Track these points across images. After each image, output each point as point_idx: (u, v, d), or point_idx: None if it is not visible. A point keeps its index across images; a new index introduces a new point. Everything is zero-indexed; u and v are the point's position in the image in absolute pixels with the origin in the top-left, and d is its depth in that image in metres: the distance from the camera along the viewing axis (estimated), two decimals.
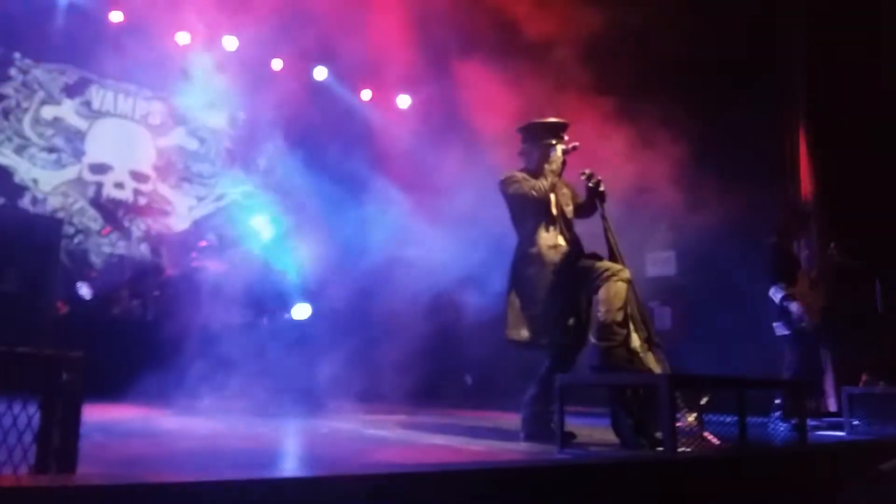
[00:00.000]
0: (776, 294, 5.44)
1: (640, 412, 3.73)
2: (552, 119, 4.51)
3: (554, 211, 4.34)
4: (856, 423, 4.94)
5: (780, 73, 7.59)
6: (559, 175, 4.37)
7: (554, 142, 4.39)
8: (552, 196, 4.36)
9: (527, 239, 4.32)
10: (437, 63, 7.62)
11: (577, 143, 4.42)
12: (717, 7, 6.96)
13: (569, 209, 4.44)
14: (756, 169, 7.18)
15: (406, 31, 7.39)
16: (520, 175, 4.37)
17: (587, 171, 4.39)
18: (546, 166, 4.33)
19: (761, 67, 7.53)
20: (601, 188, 4.35)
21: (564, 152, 4.37)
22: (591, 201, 4.40)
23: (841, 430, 5.06)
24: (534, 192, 4.28)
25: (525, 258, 4.28)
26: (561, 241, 4.28)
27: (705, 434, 3.80)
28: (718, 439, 3.75)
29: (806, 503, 3.00)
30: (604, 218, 4.31)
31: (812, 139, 7.40)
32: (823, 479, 3.27)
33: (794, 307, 5.35)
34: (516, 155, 4.58)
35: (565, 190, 4.49)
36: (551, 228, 4.30)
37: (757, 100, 7.40)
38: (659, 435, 3.57)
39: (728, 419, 3.73)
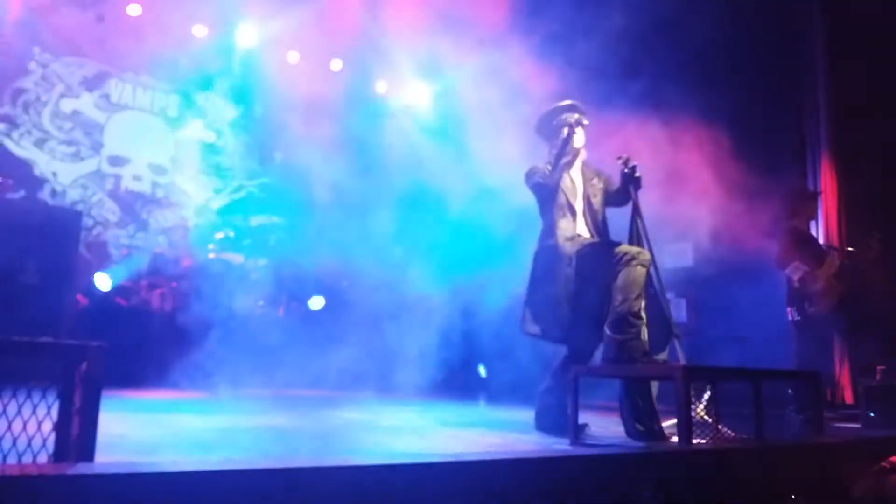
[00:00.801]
0: (796, 272, 5.23)
1: (647, 404, 3.73)
2: (556, 105, 4.40)
3: (574, 201, 4.23)
4: (872, 415, 4.90)
5: (801, 60, 7.52)
6: (570, 156, 4.25)
7: (565, 126, 4.28)
8: (573, 185, 4.26)
9: (546, 230, 4.25)
10: (457, 52, 7.60)
11: (580, 119, 4.29)
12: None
13: (597, 199, 4.30)
14: (776, 159, 7.13)
15: (424, 20, 7.38)
16: (540, 166, 4.29)
17: (623, 156, 4.25)
18: (553, 153, 4.24)
19: (784, 55, 7.47)
20: (637, 174, 4.19)
21: (568, 133, 4.23)
22: (625, 187, 4.22)
23: (857, 422, 5.03)
24: (539, 179, 4.23)
25: (543, 250, 4.22)
26: (582, 231, 4.18)
27: (720, 427, 3.80)
28: (733, 432, 3.75)
29: (821, 496, 2.99)
30: (635, 205, 4.14)
31: (833, 127, 7.32)
32: (839, 471, 3.26)
33: (814, 284, 5.18)
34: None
35: (595, 180, 4.34)
36: (571, 219, 4.19)
37: (777, 85, 7.34)
38: (669, 427, 3.57)
39: (743, 412, 3.72)
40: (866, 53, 6.79)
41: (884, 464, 2.49)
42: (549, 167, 4.21)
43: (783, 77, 7.45)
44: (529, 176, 4.32)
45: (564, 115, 4.33)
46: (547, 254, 4.19)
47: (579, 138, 4.33)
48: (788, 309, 5.38)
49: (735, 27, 6.96)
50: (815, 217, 6.00)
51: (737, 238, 6.37)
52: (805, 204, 5.72)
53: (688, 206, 5.89)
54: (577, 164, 4.35)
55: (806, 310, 5.21)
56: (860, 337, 5.74)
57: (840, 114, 7.15)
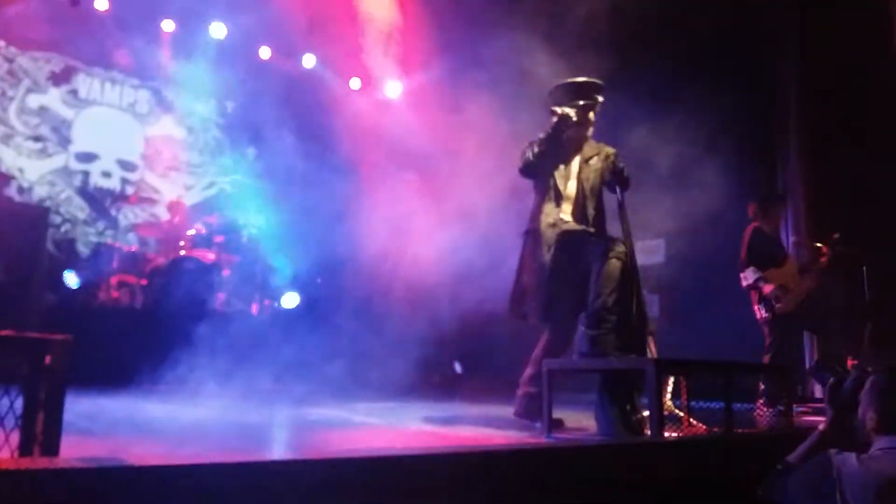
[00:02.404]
0: (749, 277, 5.43)
1: (624, 399, 3.74)
2: (574, 79, 4.22)
3: (564, 186, 4.13)
4: None
5: (774, 62, 7.61)
6: (549, 134, 4.09)
7: (581, 103, 4.13)
8: (566, 169, 4.15)
9: (532, 213, 4.21)
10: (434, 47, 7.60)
11: (570, 111, 4.09)
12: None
13: (591, 183, 4.14)
14: (746, 156, 7.21)
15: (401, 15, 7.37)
16: (536, 142, 4.18)
17: (613, 153, 4.19)
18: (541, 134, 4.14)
19: (755, 56, 7.55)
20: (625, 174, 4.04)
21: (556, 125, 4.09)
22: (613, 186, 4.09)
23: (826, 415, 5.09)
24: (523, 162, 4.17)
25: (527, 233, 4.19)
26: (566, 217, 4.07)
27: (691, 420, 3.83)
28: (704, 425, 3.78)
29: None
30: (621, 206, 3.99)
31: (804, 126, 7.42)
32: None
33: (766, 289, 5.36)
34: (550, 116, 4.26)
35: (595, 159, 4.18)
36: (556, 204, 4.10)
37: (749, 85, 7.42)
38: (645, 416, 3.59)
39: (714, 405, 3.76)
40: (837, 44, 6.88)
41: (778, 466, 2.54)
42: (536, 148, 4.12)
43: (752, 69, 7.53)
44: (523, 152, 4.22)
45: (572, 99, 4.16)
46: (529, 238, 4.17)
47: (583, 120, 4.16)
48: (756, 307, 5.52)
49: (702, 18, 7.01)
50: (780, 220, 6.11)
51: (709, 234, 6.43)
52: (771, 207, 5.82)
53: (660, 202, 5.94)
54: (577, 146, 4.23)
55: (774, 308, 5.36)
56: (825, 334, 5.85)
57: (810, 107, 7.24)
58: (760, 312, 5.48)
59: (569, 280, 3.97)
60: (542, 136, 4.15)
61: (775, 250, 5.66)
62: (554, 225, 4.08)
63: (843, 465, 2.22)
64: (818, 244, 5.77)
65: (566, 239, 4.03)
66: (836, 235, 5.57)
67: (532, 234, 4.17)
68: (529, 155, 4.16)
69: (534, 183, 4.31)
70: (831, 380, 2.69)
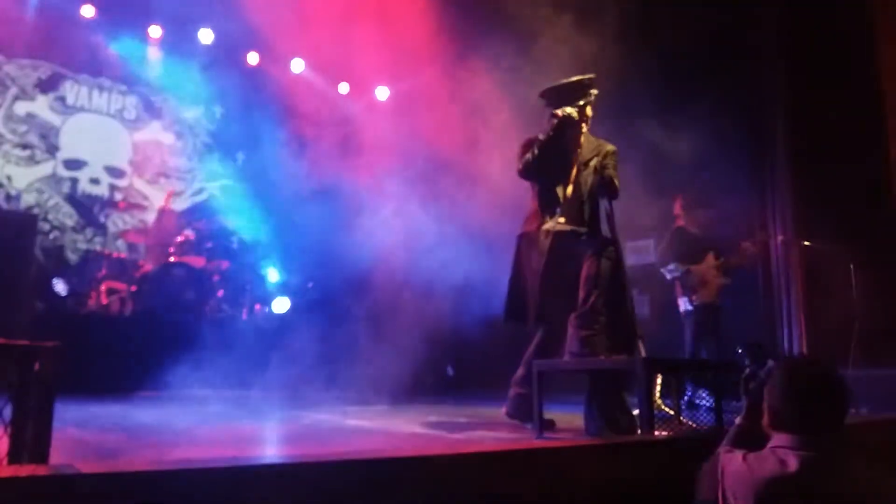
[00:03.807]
0: (669, 272, 6.13)
1: (614, 399, 3.75)
2: (570, 79, 4.17)
3: (559, 189, 4.08)
4: None
5: (757, 60, 7.65)
6: (550, 137, 4.03)
7: (581, 102, 4.09)
8: (563, 170, 4.08)
9: (526, 217, 4.20)
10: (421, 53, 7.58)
11: (571, 111, 4.04)
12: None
13: (587, 183, 4.08)
14: (732, 156, 7.24)
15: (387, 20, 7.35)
16: (524, 148, 4.16)
17: (610, 165, 4.12)
18: (539, 135, 4.09)
19: (738, 54, 7.59)
20: (615, 185, 4.02)
21: (555, 129, 4.03)
22: (601, 193, 4.06)
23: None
24: (519, 166, 4.13)
25: (522, 236, 4.17)
26: (561, 224, 4.02)
27: (681, 418, 3.85)
28: (694, 423, 3.80)
29: None
30: (609, 215, 3.99)
31: (788, 124, 7.46)
32: None
33: (684, 279, 6.04)
34: (546, 121, 4.23)
35: (594, 160, 4.12)
36: (552, 208, 4.07)
37: (733, 85, 7.46)
38: (635, 415, 3.60)
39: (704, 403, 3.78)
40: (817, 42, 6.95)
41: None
42: (536, 151, 4.06)
43: (738, 71, 7.57)
44: (520, 153, 4.18)
45: (570, 99, 4.12)
46: (523, 241, 4.15)
47: (582, 117, 4.11)
48: (680, 300, 6.15)
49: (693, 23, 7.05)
50: (700, 223, 6.36)
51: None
52: (693, 209, 6.35)
53: (650, 203, 5.98)
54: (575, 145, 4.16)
55: (692, 301, 6.04)
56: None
57: (797, 106, 7.29)
58: (684, 304, 6.11)
59: (561, 281, 3.94)
60: (542, 137, 4.08)
61: (696, 247, 6.20)
62: (550, 229, 4.04)
63: (729, 464, 2.12)
64: (745, 243, 6.12)
65: (558, 240, 4.00)
66: (760, 237, 5.96)
67: (526, 237, 4.14)
68: (529, 157, 4.09)
69: (530, 185, 4.27)
70: (746, 370, 2.65)
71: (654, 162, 6.04)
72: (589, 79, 4.19)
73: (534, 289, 4.00)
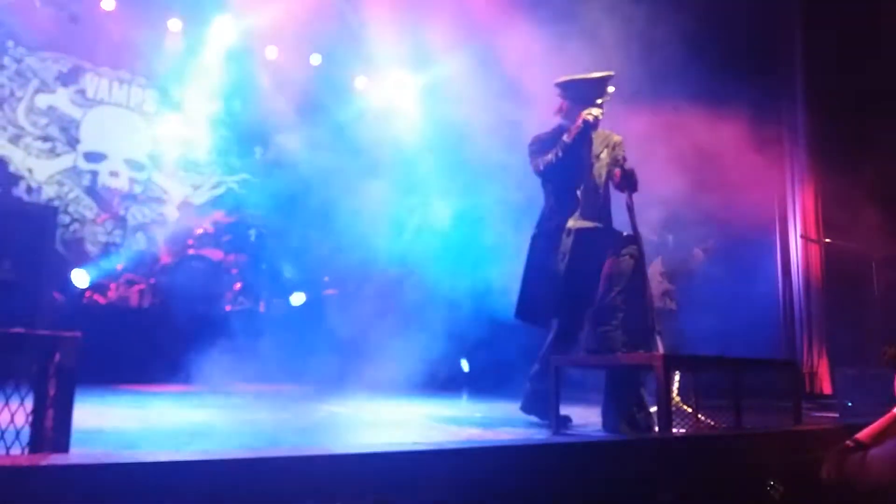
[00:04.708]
0: None
1: (635, 396, 3.74)
2: (592, 75, 4.12)
3: (578, 186, 4.05)
4: (849, 404, 4.95)
5: (777, 65, 7.58)
6: (575, 139, 3.99)
7: (597, 101, 4.06)
8: (580, 167, 4.06)
9: (547, 214, 4.16)
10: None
11: (597, 113, 4.02)
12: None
13: (601, 177, 4.09)
14: (752, 155, 7.18)
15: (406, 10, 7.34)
16: (542, 143, 4.13)
17: (621, 157, 4.10)
18: (563, 137, 4.03)
19: (757, 58, 7.52)
20: (634, 178, 3.95)
21: (584, 128, 3.99)
22: (621, 186, 4.01)
23: (834, 411, 5.08)
24: (541, 167, 4.09)
25: (541, 235, 4.14)
26: (581, 221, 4.00)
27: (699, 416, 3.83)
28: (712, 421, 3.77)
29: (798, 482, 3.01)
30: (630, 207, 3.91)
31: (809, 123, 7.39)
32: (815, 458, 3.29)
33: None
34: (555, 112, 4.24)
35: (604, 153, 4.12)
36: (572, 205, 4.04)
37: (749, 85, 7.39)
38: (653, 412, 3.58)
39: (722, 402, 3.75)
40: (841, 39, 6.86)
41: (848, 442, 2.54)
42: (560, 153, 4.01)
43: (761, 67, 7.49)
44: (535, 153, 4.14)
45: (592, 96, 4.08)
46: (544, 240, 4.11)
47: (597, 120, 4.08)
48: None
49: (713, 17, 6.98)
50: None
51: (717, 229, 6.42)
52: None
53: (670, 197, 5.94)
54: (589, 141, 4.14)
55: None
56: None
57: (819, 103, 7.21)
58: None
59: (583, 278, 3.92)
60: (566, 139, 4.02)
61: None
62: (570, 226, 4.01)
63: None
64: (698, 249, 5.97)
65: (580, 237, 3.97)
66: (712, 241, 5.79)
67: (545, 236, 4.11)
68: (552, 158, 4.04)
69: (544, 182, 4.23)
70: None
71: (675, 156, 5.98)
72: (609, 76, 4.16)
73: (555, 289, 3.96)
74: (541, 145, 4.18)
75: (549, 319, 4.06)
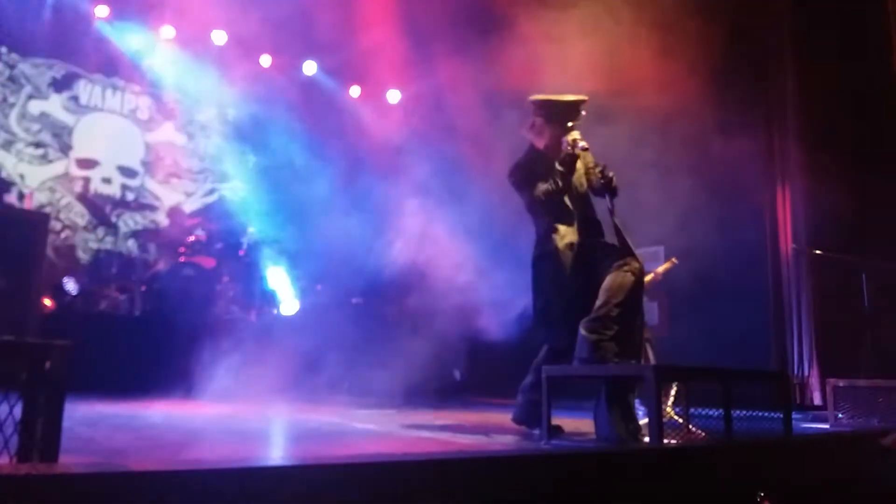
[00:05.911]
0: None
1: (623, 406, 3.74)
2: (568, 97, 4.21)
3: (571, 204, 4.13)
4: (840, 416, 4.97)
5: (767, 74, 7.62)
6: (569, 168, 4.09)
7: (569, 124, 4.15)
8: (563, 185, 4.10)
9: (543, 236, 4.19)
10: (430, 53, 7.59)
11: (584, 144, 4.11)
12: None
13: (584, 189, 4.21)
14: (743, 166, 7.21)
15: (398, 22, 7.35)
16: (526, 171, 4.20)
17: (600, 165, 4.15)
18: (556, 165, 4.10)
19: (747, 67, 7.56)
20: (613, 184, 4.04)
21: (570, 150, 4.08)
22: (601, 192, 4.12)
23: (825, 422, 5.10)
24: (542, 197, 4.12)
25: (543, 257, 4.17)
26: (580, 234, 4.08)
27: (690, 427, 3.83)
28: (703, 432, 3.78)
29: (789, 494, 3.02)
30: (612, 212, 4.02)
31: (801, 133, 7.42)
32: (807, 470, 3.30)
33: None
34: (527, 129, 4.30)
35: (578, 165, 4.20)
36: (568, 224, 4.10)
37: (746, 95, 7.43)
38: (643, 424, 3.59)
39: (713, 412, 3.76)
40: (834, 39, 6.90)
41: None
42: (560, 183, 4.07)
43: (749, 67, 7.53)
44: (523, 182, 4.20)
45: (568, 119, 4.18)
46: (547, 261, 4.14)
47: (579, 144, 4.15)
48: None
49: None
50: None
51: (708, 240, 6.43)
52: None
53: (659, 206, 5.95)
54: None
55: None
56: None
57: (809, 105, 7.24)
58: None
59: (582, 290, 3.96)
60: (560, 168, 4.08)
61: None
62: (571, 245, 4.07)
63: None
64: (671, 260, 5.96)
65: (583, 252, 4.04)
66: (670, 260, 5.85)
67: (549, 257, 4.12)
68: (551, 188, 4.08)
69: (529, 205, 4.26)
70: None
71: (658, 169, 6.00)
72: (583, 101, 4.25)
73: (568, 306, 3.99)
74: (527, 174, 4.23)
75: (565, 339, 4.05)
